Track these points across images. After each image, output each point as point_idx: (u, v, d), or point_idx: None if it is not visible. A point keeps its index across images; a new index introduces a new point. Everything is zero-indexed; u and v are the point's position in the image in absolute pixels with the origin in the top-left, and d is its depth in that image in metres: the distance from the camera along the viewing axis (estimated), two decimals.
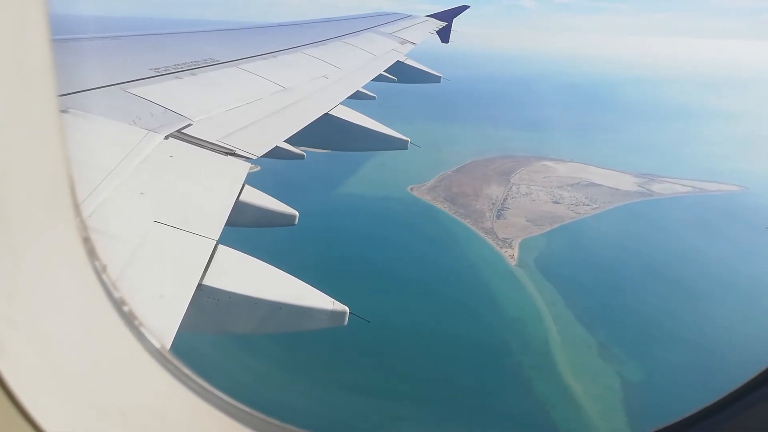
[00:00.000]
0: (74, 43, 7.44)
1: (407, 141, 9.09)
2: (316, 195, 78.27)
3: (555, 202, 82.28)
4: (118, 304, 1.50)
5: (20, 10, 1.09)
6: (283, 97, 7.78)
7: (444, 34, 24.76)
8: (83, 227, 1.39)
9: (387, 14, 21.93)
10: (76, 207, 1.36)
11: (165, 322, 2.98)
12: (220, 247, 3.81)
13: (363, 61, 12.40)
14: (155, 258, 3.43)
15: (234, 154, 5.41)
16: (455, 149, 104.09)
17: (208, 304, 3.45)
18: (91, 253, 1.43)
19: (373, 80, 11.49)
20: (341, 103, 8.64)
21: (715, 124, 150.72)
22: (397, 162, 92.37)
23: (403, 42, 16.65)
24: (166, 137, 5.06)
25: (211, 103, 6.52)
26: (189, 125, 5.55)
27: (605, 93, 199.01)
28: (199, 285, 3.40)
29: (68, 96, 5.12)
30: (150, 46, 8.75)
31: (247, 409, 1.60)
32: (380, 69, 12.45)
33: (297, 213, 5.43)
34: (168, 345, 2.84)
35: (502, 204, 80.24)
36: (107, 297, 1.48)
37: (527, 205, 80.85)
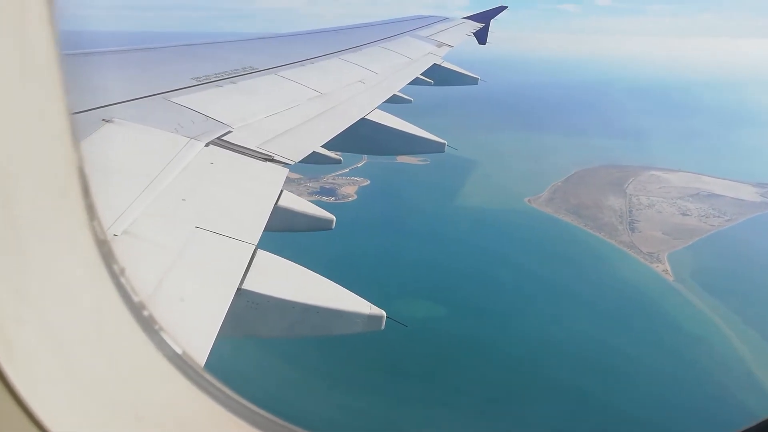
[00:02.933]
0: (117, 55, 7.71)
1: (444, 144, 9.05)
2: (434, 207, 77.76)
3: (683, 214, 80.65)
4: (137, 308, 1.49)
5: (22, 8, 1.08)
6: (320, 102, 7.86)
7: (481, 36, 24.52)
8: (100, 229, 1.38)
9: (424, 17, 21.89)
10: (91, 209, 1.36)
11: (205, 325, 3.04)
12: (260, 251, 3.86)
13: (399, 65, 12.42)
14: (196, 263, 3.51)
15: (272, 160, 5.49)
16: (553, 159, 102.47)
17: (247, 308, 3.50)
18: (108, 255, 1.42)
19: (409, 84, 11.49)
20: (378, 108, 8.67)
21: None
22: (499, 173, 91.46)
23: (440, 45, 16.59)
24: (207, 144, 5.18)
25: (250, 110, 6.63)
26: (229, 132, 5.67)
27: (678, 97, 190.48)
28: (239, 289, 3.46)
29: (113, 106, 5.30)
30: (191, 56, 8.98)
31: (269, 416, 1.56)
32: (417, 72, 12.43)
33: (334, 218, 5.46)
34: (208, 348, 2.89)
35: (629, 216, 79.06)
36: (124, 300, 1.46)
37: (655, 217, 79.51)
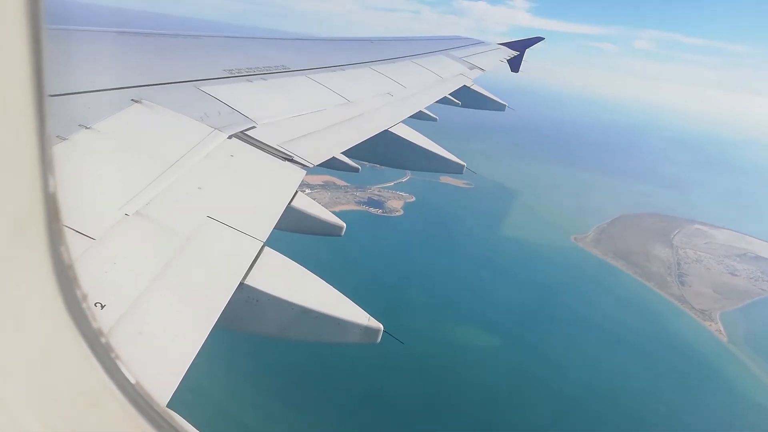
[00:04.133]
0: (154, 39, 7.84)
1: (463, 165, 9.05)
2: (480, 233, 77.51)
3: (732, 274, 79.64)
4: (94, 335, 1.42)
5: None
6: (347, 109, 7.92)
7: (515, 64, 24.56)
8: (67, 255, 1.30)
9: (460, 38, 22.01)
10: (59, 234, 1.25)
11: (204, 315, 3.06)
12: (266, 249, 3.89)
13: (429, 83, 12.48)
14: (203, 252, 3.55)
15: (292, 160, 5.54)
16: (596, 200, 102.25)
17: (246, 303, 3.53)
18: (72, 281, 1.34)
19: (437, 102, 11.53)
20: (402, 122, 8.71)
21: None
22: (542, 206, 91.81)
23: (472, 67, 16.66)
24: (230, 137, 5.24)
25: (277, 108, 6.70)
26: (253, 127, 5.73)
27: (719, 152, 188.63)
28: (241, 284, 3.48)
29: (144, 87, 5.39)
30: (226, 47, 9.10)
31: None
32: (446, 92, 12.48)
33: (344, 224, 5.48)
34: (204, 337, 2.92)
35: (678, 269, 78.26)
36: (79, 326, 1.38)
37: (704, 273, 78.73)
